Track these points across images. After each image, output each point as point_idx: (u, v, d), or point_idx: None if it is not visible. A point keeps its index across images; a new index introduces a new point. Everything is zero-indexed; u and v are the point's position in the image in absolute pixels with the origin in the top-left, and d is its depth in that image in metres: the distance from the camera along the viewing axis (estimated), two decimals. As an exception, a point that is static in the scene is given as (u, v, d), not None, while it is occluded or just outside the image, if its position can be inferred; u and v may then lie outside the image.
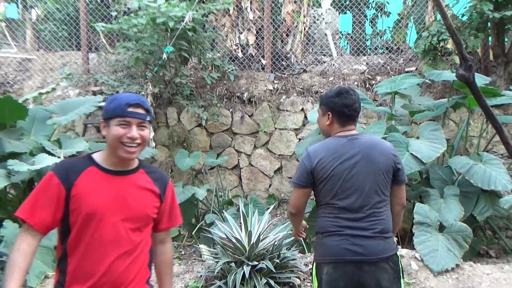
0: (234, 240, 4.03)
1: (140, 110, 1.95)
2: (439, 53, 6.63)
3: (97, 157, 1.99)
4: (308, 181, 2.51)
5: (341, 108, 2.57)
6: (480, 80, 5.00)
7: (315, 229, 2.59)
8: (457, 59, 6.68)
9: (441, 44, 6.51)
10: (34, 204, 1.87)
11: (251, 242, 3.96)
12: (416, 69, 7.08)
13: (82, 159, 1.99)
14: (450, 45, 6.77)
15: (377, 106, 6.08)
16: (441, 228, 4.43)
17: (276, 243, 4.09)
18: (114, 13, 7.14)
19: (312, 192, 2.61)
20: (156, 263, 2.19)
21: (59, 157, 4.52)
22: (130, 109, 1.93)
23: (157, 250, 2.18)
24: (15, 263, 1.78)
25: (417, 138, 5.01)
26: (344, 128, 2.60)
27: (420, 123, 5.65)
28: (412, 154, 4.60)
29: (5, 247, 3.69)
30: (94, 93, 7.18)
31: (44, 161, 4.38)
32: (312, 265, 2.59)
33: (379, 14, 9.37)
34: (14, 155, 4.56)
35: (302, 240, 5.24)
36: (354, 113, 2.60)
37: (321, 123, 2.70)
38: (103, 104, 6.97)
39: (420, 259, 4.21)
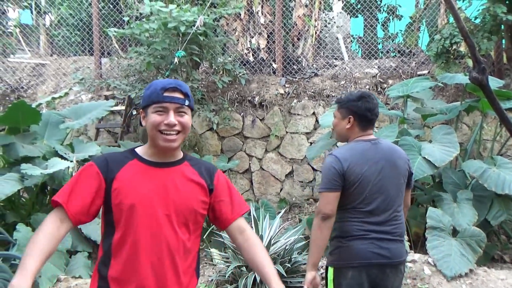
0: (245, 244, 4.02)
1: (177, 94, 1.80)
2: (452, 56, 6.57)
3: (139, 150, 1.88)
4: (340, 184, 2.46)
5: (364, 112, 2.57)
6: (494, 83, 4.94)
7: (334, 233, 2.53)
8: (470, 62, 6.61)
9: (454, 47, 6.45)
10: (71, 190, 1.74)
11: (262, 246, 3.95)
12: (429, 72, 7.03)
13: (124, 153, 1.88)
14: (463, 48, 6.71)
15: (389, 109, 6.04)
16: (455, 232, 4.38)
17: (287, 247, 4.07)
18: (126, 18, 7.19)
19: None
20: (246, 254, 1.94)
21: (71, 161, 4.56)
22: (166, 94, 1.78)
23: (240, 242, 1.95)
24: (38, 242, 1.62)
25: (430, 141, 4.96)
26: (365, 132, 2.60)
27: (432, 127, 5.60)
28: (424, 158, 4.56)
29: (18, 250, 3.72)
30: (107, 98, 7.23)
31: (57, 165, 4.43)
32: (327, 269, 2.54)
33: (391, 18, 9.33)
34: (28, 159, 4.62)
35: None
36: (375, 117, 2.61)
37: (339, 127, 2.66)
38: (116, 108, 7.05)
39: (433, 264, 4.16)
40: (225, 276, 4.02)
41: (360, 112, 2.57)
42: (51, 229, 1.67)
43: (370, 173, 2.46)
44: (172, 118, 1.78)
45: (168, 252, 1.77)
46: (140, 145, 1.93)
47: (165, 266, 1.77)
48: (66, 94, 6.20)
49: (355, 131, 2.61)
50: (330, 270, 2.52)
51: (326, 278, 2.57)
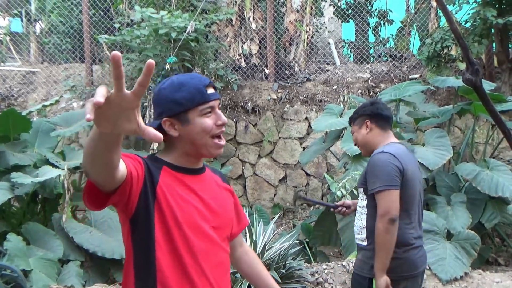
0: (239, 251, 3.99)
1: (213, 89, 1.56)
2: (443, 60, 6.59)
3: (164, 157, 1.55)
4: (399, 181, 2.32)
5: (377, 111, 2.51)
6: (485, 86, 4.94)
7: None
8: (461, 66, 6.65)
9: (445, 50, 6.48)
10: (129, 158, 1.41)
11: (257, 252, 3.91)
12: (420, 76, 7.05)
13: (149, 158, 1.53)
14: (454, 52, 6.74)
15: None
16: (449, 236, 4.37)
17: (281, 253, 4.04)
18: (117, 25, 7.17)
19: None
20: (246, 267, 1.81)
21: (62, 169, 4.51)
22: (209, 91, 1.52)
23: (239, 255, 1.81)
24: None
25: (423, 145, 4.97)
26: (387, 133, 2.51)
27: (425, 130, 5.61)
28: (418, 161, 4.56)
29: (8, 260, 3.66)
30: (98, 105, 7.18)
31: (48, 173, 4.38)
32: (370, 281, 2.36)
33: (381, 22, 9.36)
34: (18, 168, 4.56)
35: (308, 250, 5.19)
36: (390, 116, 2.56)
37: (360, 137, 2.55)
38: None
39: (428, 267, 4.15)
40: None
41: (374, 112, 2.50)
42: None
43: (416, 175, 2.41)
44: (223, 116, 1.54)
45: (223, 272, 1.60)
46: (154, 153, 1.62)
47: (219, 278, 1.57)
48: (57, 101, 6.15)
49: (377, 133, 2.50)
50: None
51: None
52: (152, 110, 5.89)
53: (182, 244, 1.47)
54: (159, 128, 1.49)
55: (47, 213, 4.89)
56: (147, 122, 5.72)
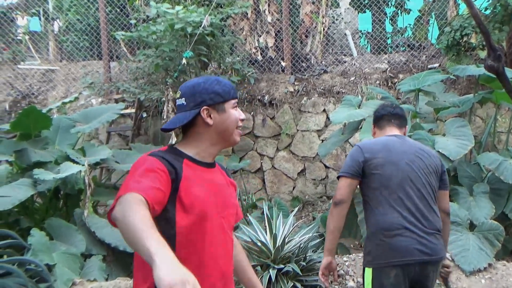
0: (259, 244, 3.99)
1: None
2: (463, 48, 6.48)
3: (184, 150, 1.71)
4: (356, 170, 2.56)
5: (377, 114, 2.80)
6: (507, 74, 4.86)
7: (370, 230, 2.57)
8: (481, 54, 6.53)
9: (465, 39, 6.36)
10: (150, 184, 1.48)
11: (277, 245, 3.91)
12: (440, 65, 6.94)
13: (169, 152, 1.68)
14: (473, 40, 6.62)
15: (400, 104, 5.97)
16: (472, 226, 4.31)
17: (301, 245, 4.03)
18: (133, 22, 7.19)
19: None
20: (235, 257, 1.92)
21: (83, 165, 4.56)
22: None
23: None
24: (145, 223, 1.28)
25: (444, 135, 4.90)
26: (383, 130, 2.75)
27: (445, 120, 5.53)
28: (439, 151, 4.49)
29: (32, 255, 3.73)
30: (116, 101, 7.24)
31: (69, 169, 4.44)
32: (364, 271, 2.52)
33: (399, 12, 9.24)
34: (40, 165, 4.63)
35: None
36: (390, 115, 2.73)
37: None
38: (126, 111, 7.04)
39: (451, 259, 4.09)
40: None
41: (374, 117, 2.78)
42: (144, 211, 1.36)
43: (396, 160, 2.47)
44: (242, 113, 1.81)
45: (229, 258, 1.76)
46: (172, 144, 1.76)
47: (227, 266, 1.74)
48: (76, 98, 6.22)
49: (378, 133, 2.75)
50: (368, 271, 2.43)
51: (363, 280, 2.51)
52: (169, 105, 5.91)
53: (200, 234, 1.62)
54: (192, 119, 1.70)
55: (69, 208, 4.96)
56: (165, 116, 5.75)
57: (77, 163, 4.66)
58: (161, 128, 1.76)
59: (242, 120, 1.78)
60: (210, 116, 1.71)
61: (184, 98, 1.73)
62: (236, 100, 1.78)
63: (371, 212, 2.48)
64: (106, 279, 4.06)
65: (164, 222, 1.55)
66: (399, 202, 2.40)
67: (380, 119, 2.73)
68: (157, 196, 1.48)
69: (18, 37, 9.37)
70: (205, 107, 1.70)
